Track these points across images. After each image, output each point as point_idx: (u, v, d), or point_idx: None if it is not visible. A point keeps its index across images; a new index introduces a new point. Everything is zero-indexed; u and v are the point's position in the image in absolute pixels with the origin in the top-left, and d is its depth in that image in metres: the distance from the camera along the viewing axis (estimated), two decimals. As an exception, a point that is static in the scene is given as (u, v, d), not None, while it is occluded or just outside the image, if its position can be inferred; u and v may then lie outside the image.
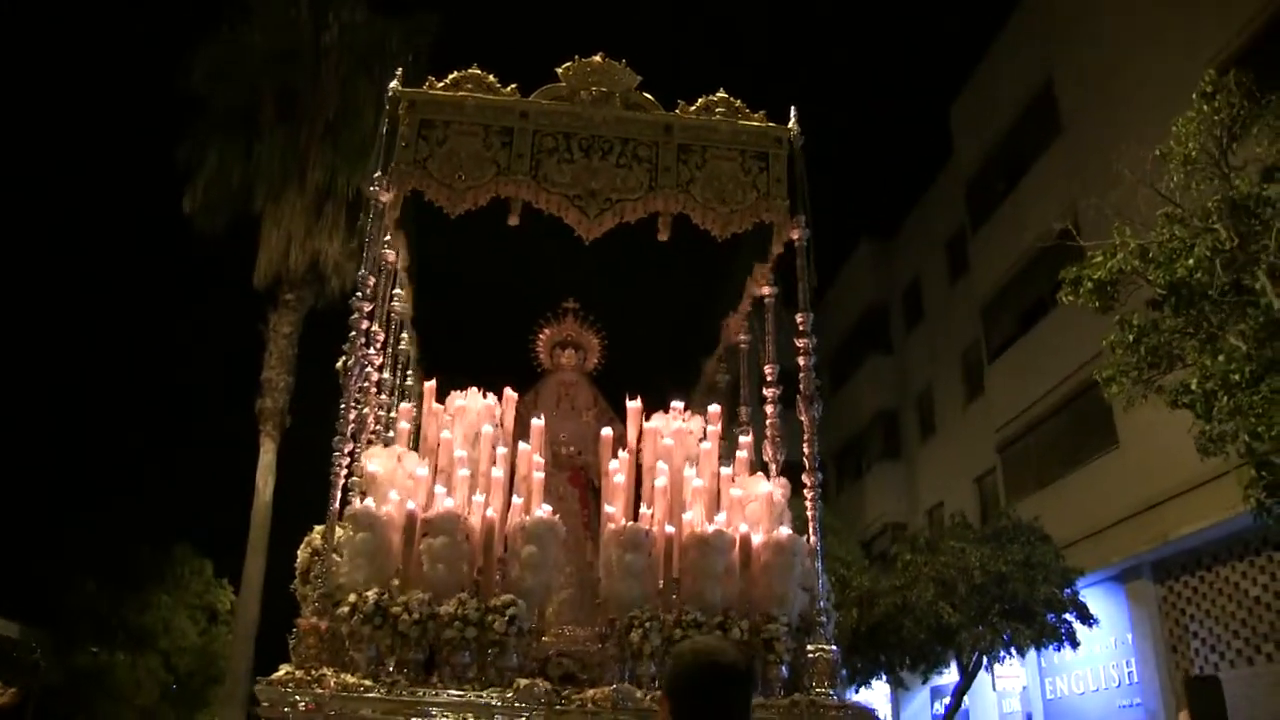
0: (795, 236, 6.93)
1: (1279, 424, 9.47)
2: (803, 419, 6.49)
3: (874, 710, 6.03)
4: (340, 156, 22.39)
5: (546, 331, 8.40)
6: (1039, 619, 16.98)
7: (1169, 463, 16.20)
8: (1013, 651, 17.78)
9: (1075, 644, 17.50)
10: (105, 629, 24.38)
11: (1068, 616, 17.30)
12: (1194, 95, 11.24)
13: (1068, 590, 17.36)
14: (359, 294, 6.62)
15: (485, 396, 7.33)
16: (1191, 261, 10.52)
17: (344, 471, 6.21)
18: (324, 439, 6.24)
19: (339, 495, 6.16)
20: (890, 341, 34.44)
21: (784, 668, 5.89)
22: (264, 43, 22.80)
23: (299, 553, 6.67)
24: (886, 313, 34.77)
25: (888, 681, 20.79)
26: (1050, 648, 17.71)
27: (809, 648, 5.93)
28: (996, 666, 19.31)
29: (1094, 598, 18.56)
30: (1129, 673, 19.37)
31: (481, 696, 5.51)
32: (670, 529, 6.27)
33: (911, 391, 32.41)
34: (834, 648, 5.96)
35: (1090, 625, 17.55)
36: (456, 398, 7.34)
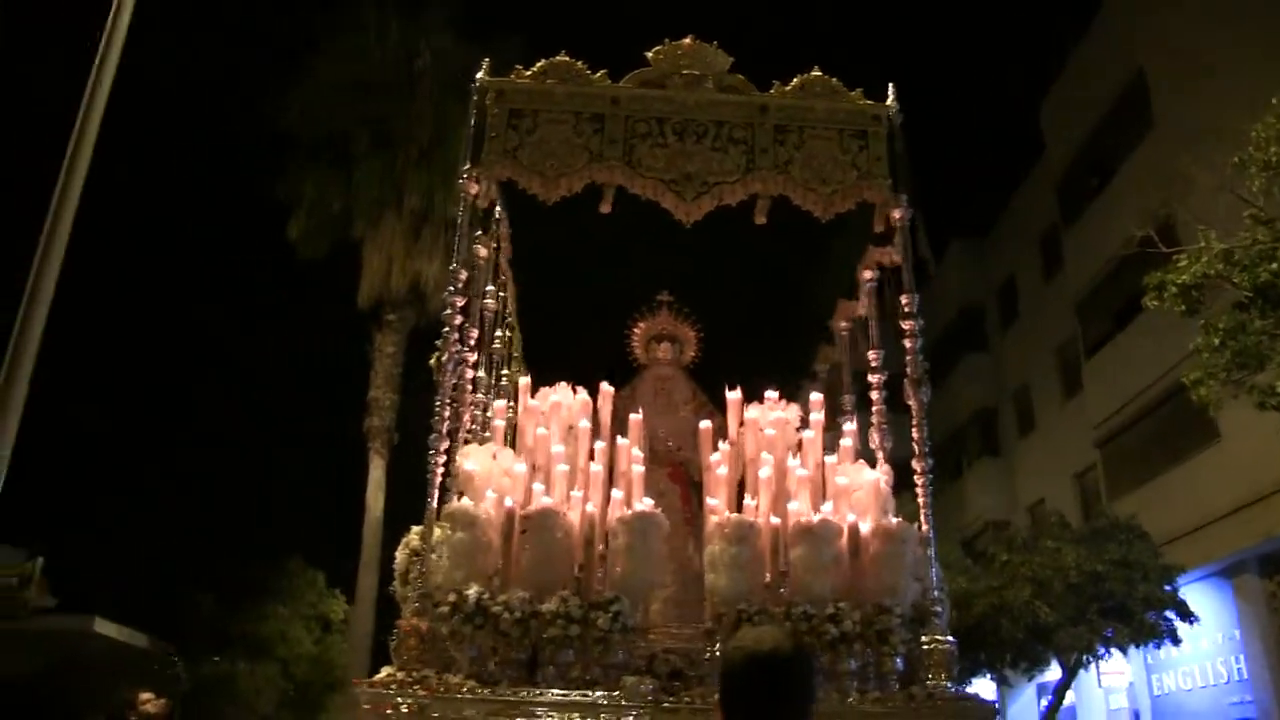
0: (898, 216, 6.71)
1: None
2: (910, 403, 6.27)
3: (995, 703, 5.78)
4: (436, 179, 22.87)
5: (641, 326, 8.22)
6: (1137, 617, 16.76)
7: (1273, 456, 15.81)
8: (1112, 650, 17.57)
9: (1177, 641, 17.26)
10: (225, 639, 24.92)
11: (1168, 614, 17.07)
12: (1275, 100, 10.95)
13: (1168, 587, 17.12)
14: (450, 288, 6.53)
15: (575, 392, 7.18)
16: (1275, 266, 10.36)
17: (440, 470, 6.12)
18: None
19: (436, 494, 6.08)
20: (986, 339, 34.32)
21: (899, 660, 5.70)
22: (357, 75, 23.43)
23: (397, 554, 6.62)
24: (982, 310, 34.61)
25: (992, 679, 20.52)
26: (1151, 645, 17.51)
27: (924, 639, 5.73)
28: (1101, 663, 18.98)
29: (1198, 594, 18.30)
30: (1238, 669, 19.12)
31: (587, 695, 5.38)
32: (775, 520, 6.08)
33: (1008, 389, 32.19)
34: (950, 638, 5.76)
35: (1191, 623, 17.26)
36: (550, 394, 7.19)
